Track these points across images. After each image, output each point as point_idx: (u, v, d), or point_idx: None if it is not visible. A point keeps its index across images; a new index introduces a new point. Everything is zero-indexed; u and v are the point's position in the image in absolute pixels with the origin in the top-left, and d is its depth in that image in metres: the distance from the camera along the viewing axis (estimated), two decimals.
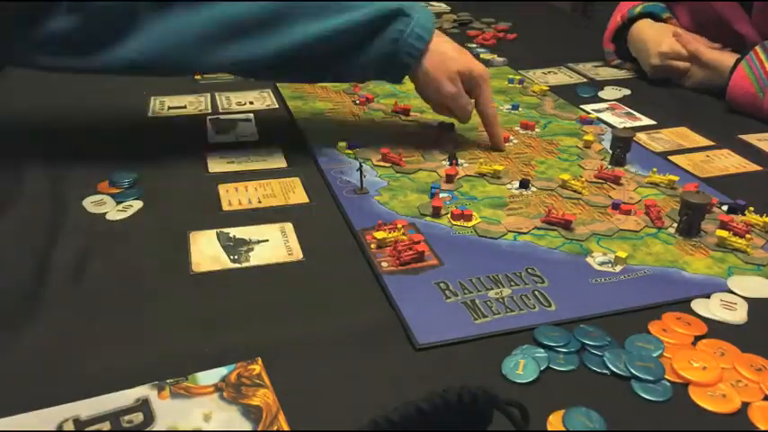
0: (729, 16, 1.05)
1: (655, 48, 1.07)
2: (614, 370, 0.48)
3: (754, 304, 0.56)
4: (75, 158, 0.78)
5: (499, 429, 0.39)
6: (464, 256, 0.62)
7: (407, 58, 0.78)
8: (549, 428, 0.43)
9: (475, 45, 1.32)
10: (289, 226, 0.66)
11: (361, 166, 0.74)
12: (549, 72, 1.16)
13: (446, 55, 0.79)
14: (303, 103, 0.99)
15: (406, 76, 0.81)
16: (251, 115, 0.95)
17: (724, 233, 0.64)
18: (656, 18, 1.13)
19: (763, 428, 0.44)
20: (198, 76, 1.11)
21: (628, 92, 1.06)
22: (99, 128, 0.79)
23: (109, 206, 0.69)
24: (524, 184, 0.75)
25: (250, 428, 0.42)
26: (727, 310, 0.55)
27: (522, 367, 0.48)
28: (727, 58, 1.00)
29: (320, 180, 0.76)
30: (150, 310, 0.54)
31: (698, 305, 0.55)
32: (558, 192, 0.74)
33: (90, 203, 0.69)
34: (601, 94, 1.06)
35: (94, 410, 0.43)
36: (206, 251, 0.62)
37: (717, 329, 0.53)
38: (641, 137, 0.89)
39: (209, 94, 1.03)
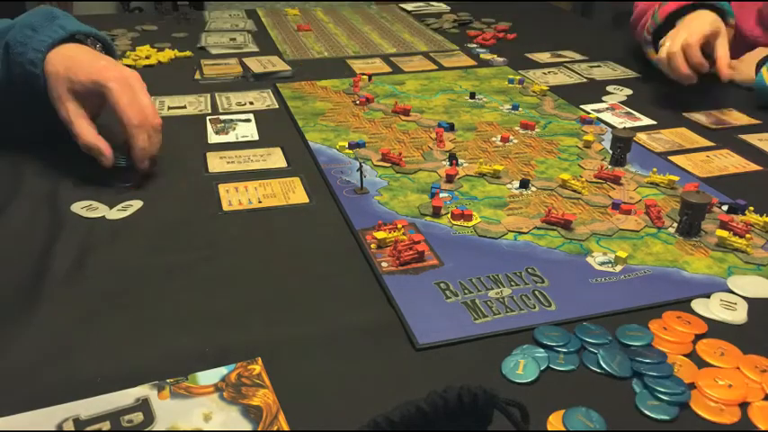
0: (739, 18, 1.04)
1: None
2: (610, 371, 0.48)
3: (754, 304, 0.56)
4: (75, 158, 0.78)
5: (499, 429, 0.39)
6: (464, 256, 0.62)
7: (30, 67, 0.73)
8: (549, 428, 0.43)
9: (475, 45, 1.32)
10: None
11: (361, 166, 0.74)
12: (549, 72, 1.16)
13: (69, 67, 0.72)
14: (303, 103, 0.99)
15: None
16: (251, 115, 0.95)
17: (724, 233, 0.64)
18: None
19: (763, 428, 0.44)
20: (198, 76, 1.11)
21: (629, 92, 1.06)
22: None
23: (102, 211, 0.69)
24: (524, 184, 0.75)
25: (250, 428, 0.42)
26: (727, 309, 0.55)
27: (522, 367, 0.48)
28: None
29: (320, 180, 0.76)
30: (150, 309, 0.54)
31: (698, 305, 0.55)
32: (558, 192, 0.74)
33: (80, 208, 0.69)
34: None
35: (94, 410, 0.43)
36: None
37: (717, 329, 0.53)
38: (641, 137, 0.89)
39: (209, 95, 1.03)
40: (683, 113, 0.97)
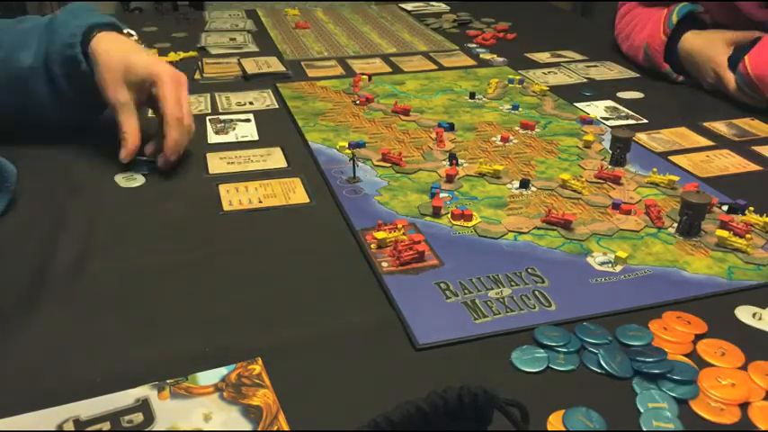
0: (746, 6, 1.03)
1: (708, 65, 1.02)
2: (611, 371, 0.48)
3: None
4: (75, 159, 0.78)
5: (499, 429, 0.39)
6: (464, 256, 0.62)
7: (68, 50, 0.75)
8: (549, 428, 0.43)
9: (475, 45, 1.32)
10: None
11: (353, 155, 0.75)
12: (549, 72, 1.16)
13: (125, 55, 0.76)
14: (303, 103, 0.99)
15: None
16: (251, 115, 0.95)
17: (724, 233, 0.64)
18: (695, 18, 1.07)
19: (763, 428, 0.44)
20: (198, 76, 1.11)
21: (638, 94, 1.06)
22: (98, 128, 0.79)
23: (139, 181, 0.75)
24: (524, 184, 0.75)
25: (250, 428, 0.42)
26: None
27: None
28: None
29: (320, 180, 0.76)
30: (150, 309, 0.54)
31: (742, 312, 0.54)
32: (558, 192, 0.74)
33: (122, 179, 0.75)
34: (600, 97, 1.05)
35: (94, 410, 0.43)
36: None
37: (717, 329, 0.52)
38: (641, 137, 0.89)
39: (209, 95, 1.03)
40: (703, 123, 0.93)
